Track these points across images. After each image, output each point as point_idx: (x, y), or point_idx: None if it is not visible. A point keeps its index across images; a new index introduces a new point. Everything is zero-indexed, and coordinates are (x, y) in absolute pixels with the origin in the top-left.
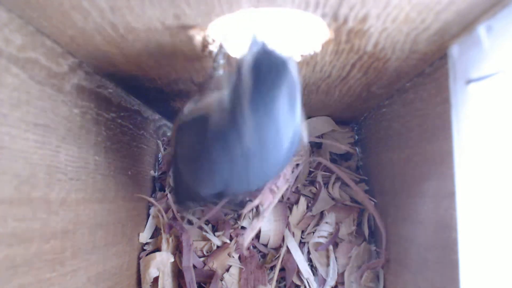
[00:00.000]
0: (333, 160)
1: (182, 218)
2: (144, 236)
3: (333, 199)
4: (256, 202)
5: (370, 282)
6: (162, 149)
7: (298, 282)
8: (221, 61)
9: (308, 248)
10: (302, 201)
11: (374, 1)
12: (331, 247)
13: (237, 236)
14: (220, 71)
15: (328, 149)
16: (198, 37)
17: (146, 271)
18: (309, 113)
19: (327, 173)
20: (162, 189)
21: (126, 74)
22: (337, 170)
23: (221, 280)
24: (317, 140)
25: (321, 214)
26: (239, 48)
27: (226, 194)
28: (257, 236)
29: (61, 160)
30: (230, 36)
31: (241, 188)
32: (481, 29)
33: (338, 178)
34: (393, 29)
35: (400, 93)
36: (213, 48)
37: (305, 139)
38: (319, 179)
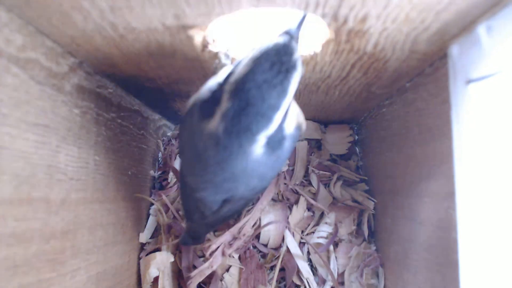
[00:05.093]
0: (333, 160)
1: (182, 218)
2: (144, 236)
3: (334, 198)
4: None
5: (371, 280)
6: (162, 149)
7: (298, 282)
8: (223, 62)
9: (308, 248)
10: (302, 201)
11: (374, 1)
12: (331, 247)
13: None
14: None
15: (328, 149)
16: (198, 37)
17: (146, 271)
18: (309, 113)
19: (327, 173)
20: (162, 188)
21: (126, 74)
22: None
23: (221, 280)
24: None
25: (321, 214)
26: (239, 48)
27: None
28: (257, 236)
29: (61, 160)
30: (230, 36)
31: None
32: (481, 29)
33: (339, 178)
34: (393, 29)
35: (400, 93)
36: (213, 48)
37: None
38: (318, 179)
